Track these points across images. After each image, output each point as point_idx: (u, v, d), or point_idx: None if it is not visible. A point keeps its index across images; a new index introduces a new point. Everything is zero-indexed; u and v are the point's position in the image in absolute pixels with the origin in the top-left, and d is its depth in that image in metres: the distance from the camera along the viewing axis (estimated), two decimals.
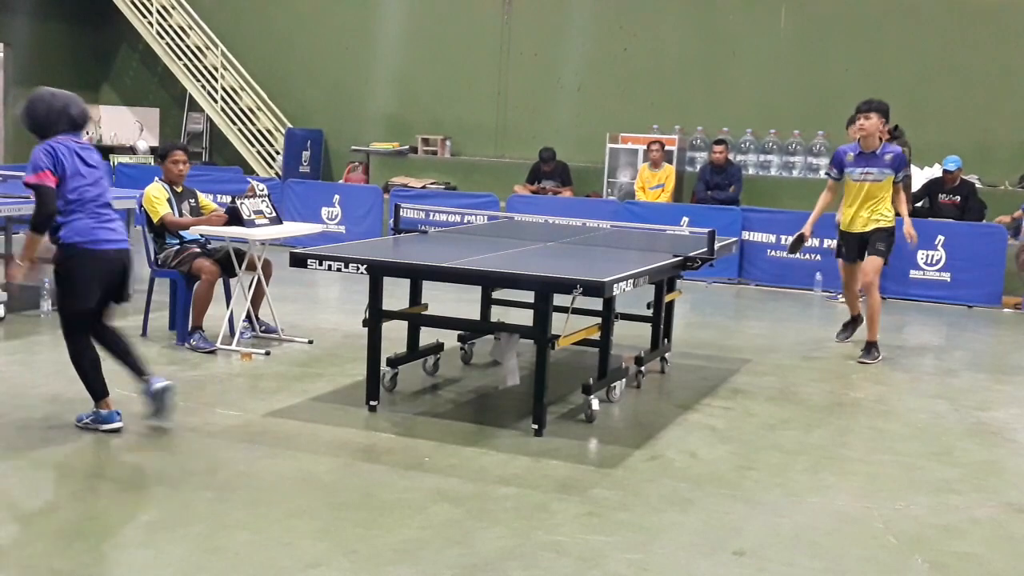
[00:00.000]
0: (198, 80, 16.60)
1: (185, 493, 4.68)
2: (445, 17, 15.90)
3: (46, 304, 8.31)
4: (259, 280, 7.63)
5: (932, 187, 11.94)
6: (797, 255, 9.15)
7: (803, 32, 14.07)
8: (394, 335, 6.57)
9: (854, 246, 8.19)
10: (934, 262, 11.12)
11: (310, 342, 7.72)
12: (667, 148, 13.27)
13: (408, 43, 16.19)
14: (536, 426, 5.72)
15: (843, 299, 8.86)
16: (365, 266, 5.83)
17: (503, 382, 6.39)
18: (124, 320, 8.26)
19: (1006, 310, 10.77)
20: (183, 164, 7.75)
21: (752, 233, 11.83)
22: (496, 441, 5.62)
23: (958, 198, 11.72)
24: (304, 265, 5.94)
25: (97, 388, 5.47)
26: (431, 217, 12.05)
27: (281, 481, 4.88)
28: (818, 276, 11.22)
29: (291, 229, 8.02)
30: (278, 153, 16.25)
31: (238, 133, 16.43)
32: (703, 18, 14.56)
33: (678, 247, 7.09)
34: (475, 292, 7.51)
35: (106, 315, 5.61)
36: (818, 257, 11.34)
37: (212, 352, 7.28)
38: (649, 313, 7.34)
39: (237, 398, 6.28)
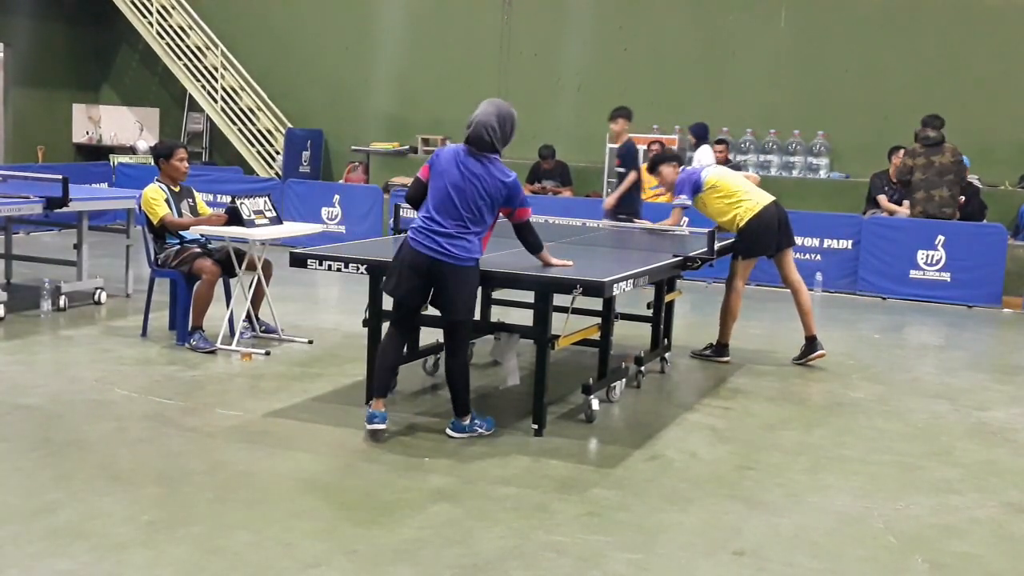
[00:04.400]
0: (198, 80, 16.60)
1: (185, 493, 4.68)
2: (445, 17, 15.90)
3: (46, 304, 8.31)
4: (259, 280, 7.63)
5: None
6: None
7: (803, 32, 14.07)
8: None
9: None
10: (934, 262, 11.12)
11: (310, 342, 7.72)
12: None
13: (408, 43, 16.18)
14: (536, 426, 5.73)
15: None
16: (365, 266, 5.84)
17: (503, 382, 6.40)
18: (124, 320, 8.29)
19: (1006, 310, 10.77)
20: (187, 162, 7.81)
21: None
22: (496, 441, 5.62)
23: (962, 198, 11.71)
24: (304, 265, 5.95)
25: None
26: None
27: (281, 481, 4.88)
28: (818, 276, 11.22)
29: (291, 229, 8.02)
30: (278, 153, 16.25)
31: (238, 133, 16.42)
32: (703, 18, 14.55)
33: (678, 247, 7.09)
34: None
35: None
36: (818, 257, 11.35)
37: (212, 352, 7.28)
38: (649, 313, 7.34)
39: (237, 398, 6.28)
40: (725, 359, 7.76)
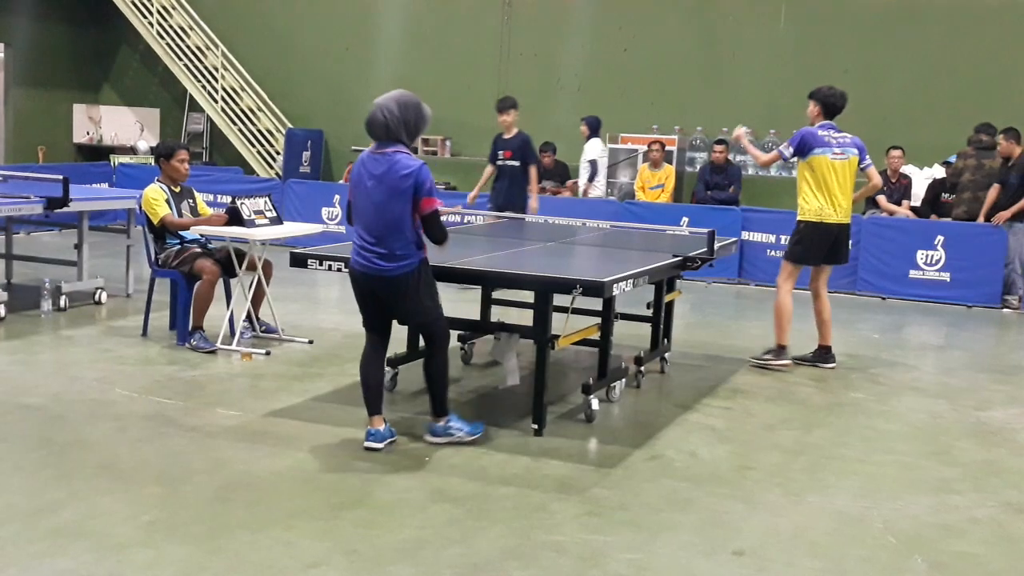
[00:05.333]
0: (198, 80, 16.61)
1: (185, 493, 4.69)
2: (445, 17, 15.91)
3: (47, 304, 8.31)
4: (259, 280, 7.63)
5: (936, 187, 11.95)
6: None
7: (803, 32, 14.07)
8: (394, 335, 6.56)
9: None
10: (934, 262, 11.13)
11: (310, 342, 7.73)
12: (667, 148, 13.27)
13: (408, 43, 16.19)
14: (536, 426, 5.73)
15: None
16: None
17: (503, 382, 6.40)
18: (124, 320, 8.29)
19: (1006, 310, 10.78)
20: (188, 163, 7.81)
21: (752, 233, 11.84)
22: (496, 441, 5.62)
23: None
24: (304, 265, 5.95)
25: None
26: None
27: (281, 481, 4.89)
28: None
29: (291, 229, 8.03)
30: (278, 153, 16.26)
31: (238, 133, 16.43)
32: (703, 18, 14.56)
33: (678, 247, 7.09)
34: (475, 292, 7.52)
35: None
36: None
37: (212, 352, 7.29)
38: (649, 313, 7.35)
39: (237, 398, 6.29)
40: (785, 362, 7.59)
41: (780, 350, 7.65)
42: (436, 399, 5.46)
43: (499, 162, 10.52)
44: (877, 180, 7.72)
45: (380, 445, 5.34)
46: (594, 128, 13.01)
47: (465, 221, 9.78)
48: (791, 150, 7.54)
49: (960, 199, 11.20)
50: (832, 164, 7.46)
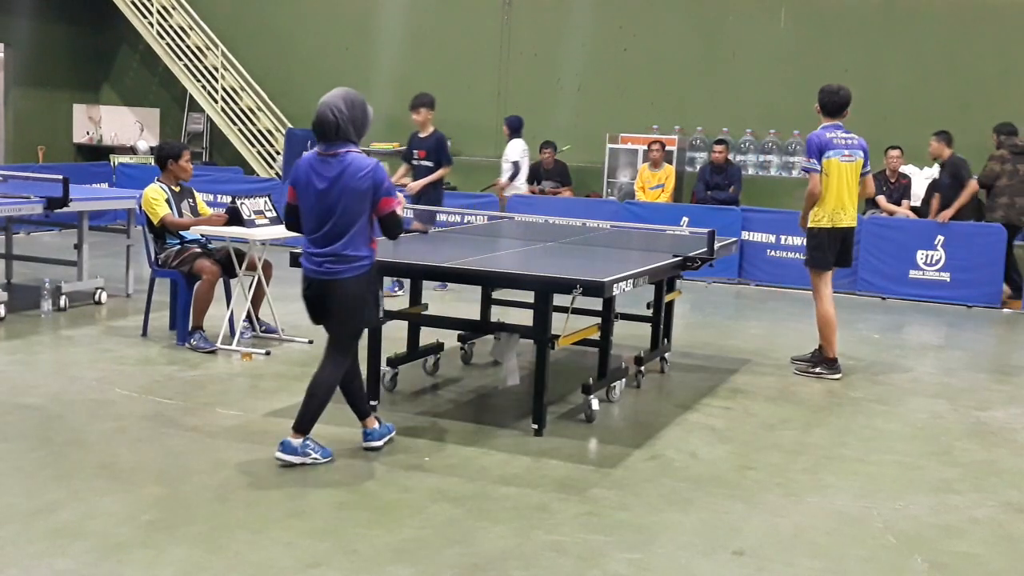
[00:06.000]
0: (198, 80, 16.59)
1: (185, 493, 4.68)
2: (445, 17, 15.90)
3: (46, 304, 8.31)
4: (259, 280, 7.63)
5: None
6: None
7: (803, 32, 14.06)
8: (394, 335, 6.57)
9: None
10: (934, 262, 11.12)
11: (310, 342, 7.72)
12: (667, 148, 13.26)
13: (408, 43, 16.18)
14: (536, 426, 5.73)
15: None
16: None
17: (503, 382, 6.40)
18: (124, 320, 8.29)
19: (1005, 310, 10.77)
20: (191, 164, 7.85)
21: (752, 233, 11.83)
22: (496, 441, 5.62)
23: None
24: None
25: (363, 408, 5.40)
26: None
27: (281, 481, 4.88)
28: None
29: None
30: (278, 153, 16.23)
31: (238, 133, 16.42)
32: (703, 18, 14.55)
33: (678, 247, 7.09)
34: (475, 292, 7.51)
35: None
36: None
37: (212, 352, 7.28)
38: (649, 313, 7.34)
39: (237, 398, 6.29)
40: (836, 376, 7.42)
41: (832, 363, 7.47)
42: (308, 414, 5.10)
43: (414, 161, 10.10)
44: (871, 189, 7.59)
45: (380, 443, 5.33)
46: (515, 128, 12.96)
47: (465, 221, 9.78)
48: (814, 161, 7.33)
49: (996, 204, 11.08)
50: (841, 167, 7.34)
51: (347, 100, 5.00)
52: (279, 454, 5.08)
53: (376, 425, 5.37)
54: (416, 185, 9.99)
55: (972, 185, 11.20)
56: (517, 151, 12.86)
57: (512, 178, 12.92)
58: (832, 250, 7.47)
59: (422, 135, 10.06)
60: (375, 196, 4.98)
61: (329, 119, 4.95)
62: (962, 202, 11.13)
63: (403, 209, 5.18)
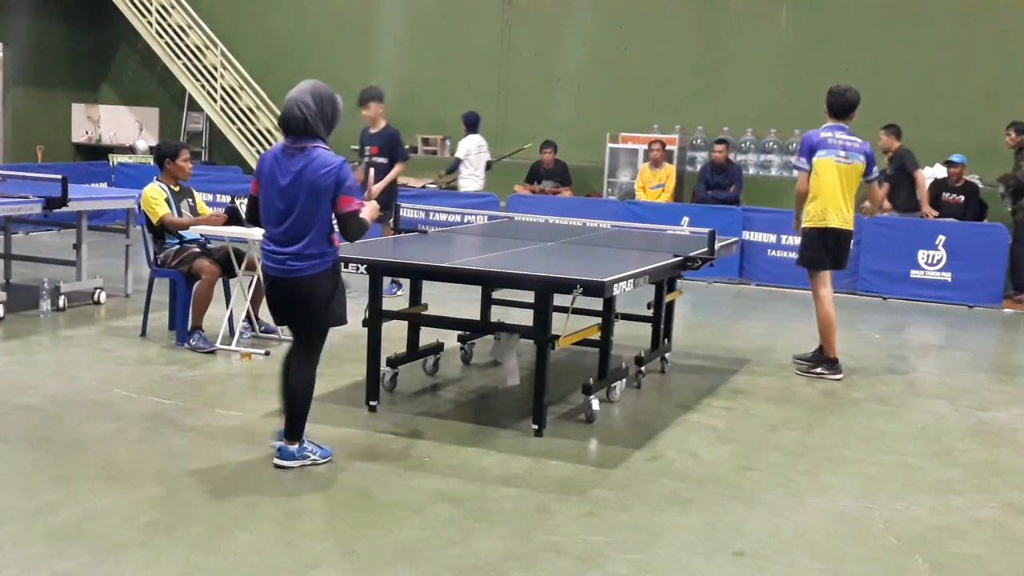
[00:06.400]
0: (197, 80, 16.58)
1: (185, 493, 4.67)
2: (445, 17, 15.89)
3: (45, 304, 8.30)
4: (259, 280, 7.62)
5: (938, 186, 11.94)
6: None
7: (803, 32, 14.05)
8: (394, 335, 6.56)
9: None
10: (935, 262, 11.11)
11: None
12: (667, 148, 13.25)
13: (408, 43, 16.17)
14: (536, 426, 5.72)
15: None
16: (365, 266, 5.83)
17: (503, 382, 6.39)
18: (123, 320, 8.28)
19: (1006, 310, 10.76)
20: (190, 163, 7.83)
21: (752, 233, 11.83)
22: (496, 441, 5.61)
23: (962, 198, 11.72)
24: None
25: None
26: (431, 217, 12.04)
27: (281, 481, 4.87)
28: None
29: None
30: None
31: (238, 133, 16.41)
32: (703, 18, 14.54)
33: (678, 247, 7.08)
34: (475, 292, 7.50)
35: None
36: None
37: (212, 352, 7.27)
38: (649, 313, 7.33)
39: (237, 398, 6.28)
40: (837, 376, 7.40)
41: (832, 363, 7.46)
42: (295, 419, 5.04)
43: (366, 158, 9.66)
44: (878, 197, 7.39)
45: (288, 460, 5.09)
46: (471, 124, 13.26)
47: (465, 221, 9.76)
48: (803, 160, 7.33)
49: (1021, 205, 11.07)
50: (836, 168, 7.27)
51: (315, 95, 4.89)
52: (278, 461, 5.05)
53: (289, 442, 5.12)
54: (376, 189, 9.75)
55: (920, 176, 11.60)
56: (464, 148, 13.21)
57: (450, 171, 13.40)
58: (822, 250, 7.41)
59: (373, 131, 9.76)
60: (335, 193, 4.83)
61: (296, 116, 4.86)
62: (923, 195, 11.52)
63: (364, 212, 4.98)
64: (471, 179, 13.32)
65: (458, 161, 13.31)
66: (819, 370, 7.47)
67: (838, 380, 7.37)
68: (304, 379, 5.07)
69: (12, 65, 16.58)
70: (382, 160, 9.62)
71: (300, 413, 5.06)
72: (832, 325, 7.45)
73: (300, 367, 5.08)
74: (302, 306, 5.00)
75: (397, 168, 9.72)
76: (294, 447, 5.06)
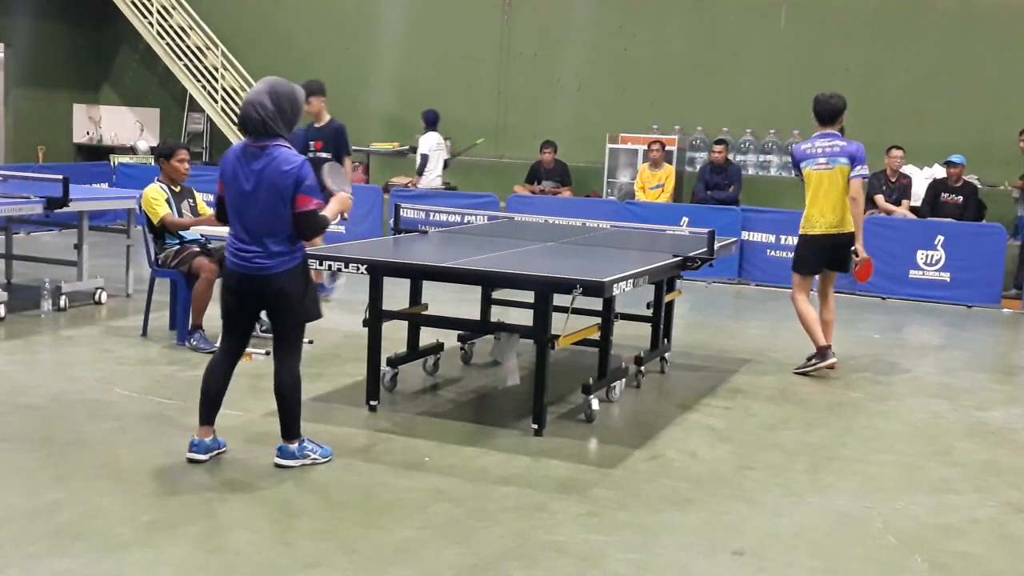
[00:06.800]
0: (198, 80, 16.59)
1: (185, 493, 4.68)
2: (445, 17, 15.90)
3: (46, 304, 8.31)
4: None
5: (937, 187, 11.95)
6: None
7: (803, 33, 14.06)
8: (394, 335, 6.57)
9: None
10: (934, 262, 11.12)
11: (310, 342, 7.70)
12: (667, 148, 13.27)
13: (408, 43, 16.18)
14: (536, 426, 5.73)
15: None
16: (365, 266, 5.84)
17: (503, 382, 6.40)
18: (124, 320, 8.29)
19: (1005, 310, 10.77)
20: (188, 163, 7.80)
21: (752, 233, 11.84)
22: (496, 441, 5.62)
23: (960, 198, 11.74)
24: None
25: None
26: (431, 217, 12.05)
27: (281, 481, 4.88)
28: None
29: None
30: None
31: (238, 133, 16.42)
32: (703, 18, 14.55)
33: (678, 247, 7.09)
34: (475, 292, 7.51)
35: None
36: None
37: (212, 352, 7.23)
38: (649, 313, 7.34)
39: (237, 398, 6.26)
40: (831, 361, 7.45)
41: (821, 353, 7.51)
42: (289, 417, 5.06)
43: (310, 154, 9.12)
44: (853, 192, 7.45)
45: (204, 457, 5.07)
46: (430, 122, 13.48)
47: (465, 221, 9.78)
48: (796, 173, 7.65)
49: None
50: (818, 176, 7.40)
51: (272, 94, 4.90)
52: (278, 460, 5.06)
53: (208, 438, 5.10)
54: (331, 212, 9.67)
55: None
56: (426, 144, 13.38)
57: (420, 171, 13.47)
58: (810, 255, 7.54)
59: (318, 125, 9.54)
60: (294, 192, 4.82)
61: (253, 117, 4.86)
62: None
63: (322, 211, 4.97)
64: (427, 177, 13.55)
65: (425, 158, 13.55)
66: (813, 361, 7.51)
67: (831, 367, 7.44)
68: (291, 378, 5.07)
69: (13, 65, 16.59)
70: (326, 155, 9.24)
71: (293, 411, 5.07)
72: (810, 317, 7.55)
73: (283, 366, 5.08)
74: (275, 304, 5.01)
75: (348, 164, 9.62)
76: (294, 446, 5.07)
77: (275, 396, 5.10)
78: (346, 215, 5.33)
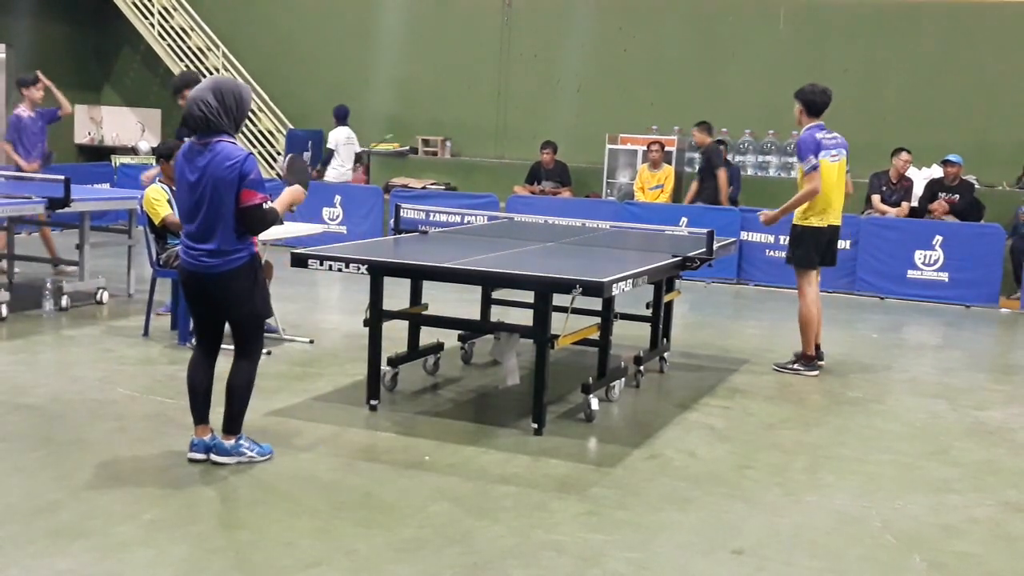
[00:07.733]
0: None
1: (185, 493, 4.70)
2: (445, 17, 15.91)
3: (48, 304, 8.33)
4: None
5: (934, 187, 11.96)
6: None
7: (802, 33, 14.08)
8: (394, 335, 6.58)
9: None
10: (932, 262, 11.13)
11: (311, 342, 7.74)
12: (666, 149, 13.27)
13: (408, 43, 16.20)
14: (536, 425, 5.74)
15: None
16: (366, 266, 5.86)
17: (503, 382, 6.41)
18: (126, 320, 8.31)
19: (1003, 310, 10.78)
20: None
21: (751, 233, 11.83)
22: (496, 440, 5.63)
23: (957, 197, 11.75)
24: (305, 265, 5.97)
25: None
26: (431, 217, 12.05)
27: (281, 481, 4.90)
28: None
29: (292, 229, 8.03)
30: (279, 154, 16.26)
31: (239, 134, 16.44)
32: (703, 19, 14.57)
33: (677, 247, 7.10)
34: (475, 292, 7.53)
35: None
36: None
37: None
38: (648, 313, 7.36)
39: None
40: (813, 373, 7.46)
41: (807, 360, 7.48)
42: (233, 413, 5.05)
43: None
44: (850, 188, 7.50)
45: (204, 456, 5.06)
46: (339, 117, 13.89)
47: (465, 221, 9.79)
48: (813, 159, 7.28)
49: None
50: (831, 167, 7.39)
51: (216, 91, 4.85)
52: (214, 456, 5.03)
53: (206, 436, 5.10)
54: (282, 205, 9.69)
55: (722, 174, 12.24)
56: (334, 139, 13.78)
57: (324, 163, 13.91)
58: (818, 249, 7.49)
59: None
60: (238, 187, 4.80)
61: (196, 115, 4.82)
62: (724, 193, 12.21)
63: (268, 205, 4.93)
64: (338, 170, 13.86)
65: (331, 153, 13.88)
66: (796, 366, 7.50)
67: (814, 376, 7.40)
68: (245, 378, 5.08)
69: (15, 66, 16.59)
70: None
71: (239, 409, 5.07)
72: (813, 324, 7.50)
73: (238, 364, 5.10)
74: (221, 302, 5.01)
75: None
76: (230, 442, 5.05)
77: (225, 390, 5.08)
78: (293, 208, 5.34)
